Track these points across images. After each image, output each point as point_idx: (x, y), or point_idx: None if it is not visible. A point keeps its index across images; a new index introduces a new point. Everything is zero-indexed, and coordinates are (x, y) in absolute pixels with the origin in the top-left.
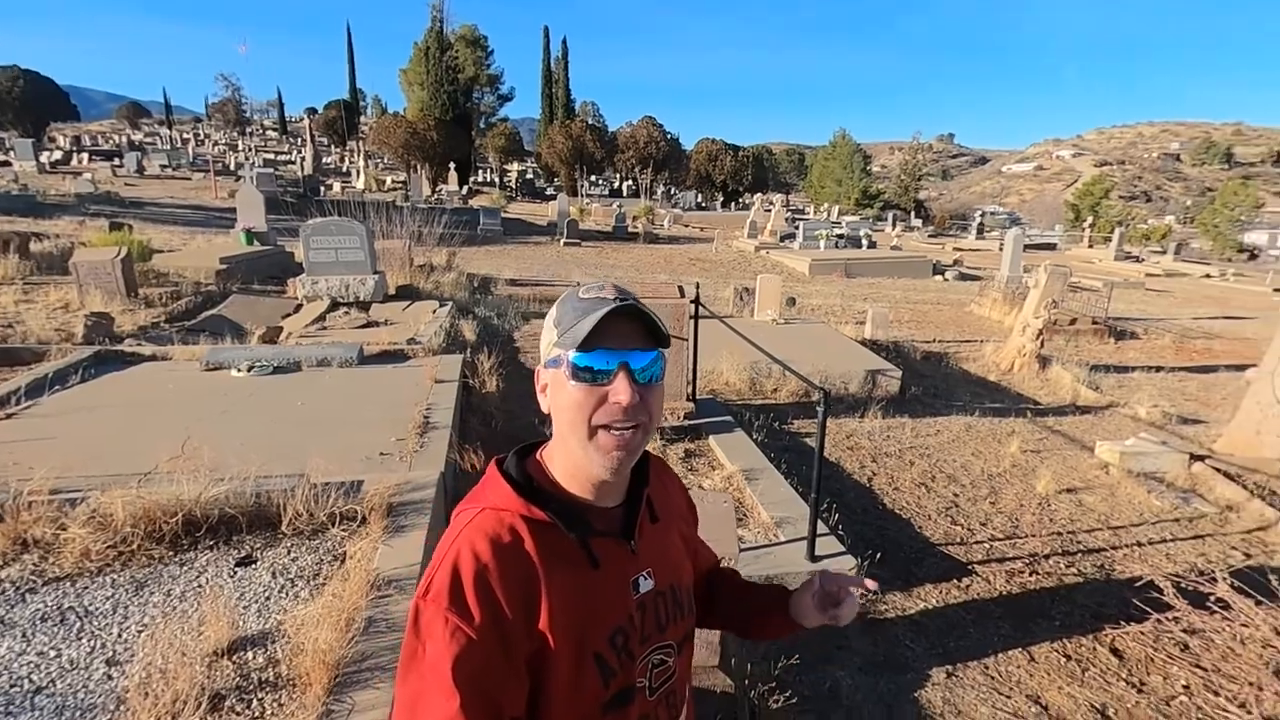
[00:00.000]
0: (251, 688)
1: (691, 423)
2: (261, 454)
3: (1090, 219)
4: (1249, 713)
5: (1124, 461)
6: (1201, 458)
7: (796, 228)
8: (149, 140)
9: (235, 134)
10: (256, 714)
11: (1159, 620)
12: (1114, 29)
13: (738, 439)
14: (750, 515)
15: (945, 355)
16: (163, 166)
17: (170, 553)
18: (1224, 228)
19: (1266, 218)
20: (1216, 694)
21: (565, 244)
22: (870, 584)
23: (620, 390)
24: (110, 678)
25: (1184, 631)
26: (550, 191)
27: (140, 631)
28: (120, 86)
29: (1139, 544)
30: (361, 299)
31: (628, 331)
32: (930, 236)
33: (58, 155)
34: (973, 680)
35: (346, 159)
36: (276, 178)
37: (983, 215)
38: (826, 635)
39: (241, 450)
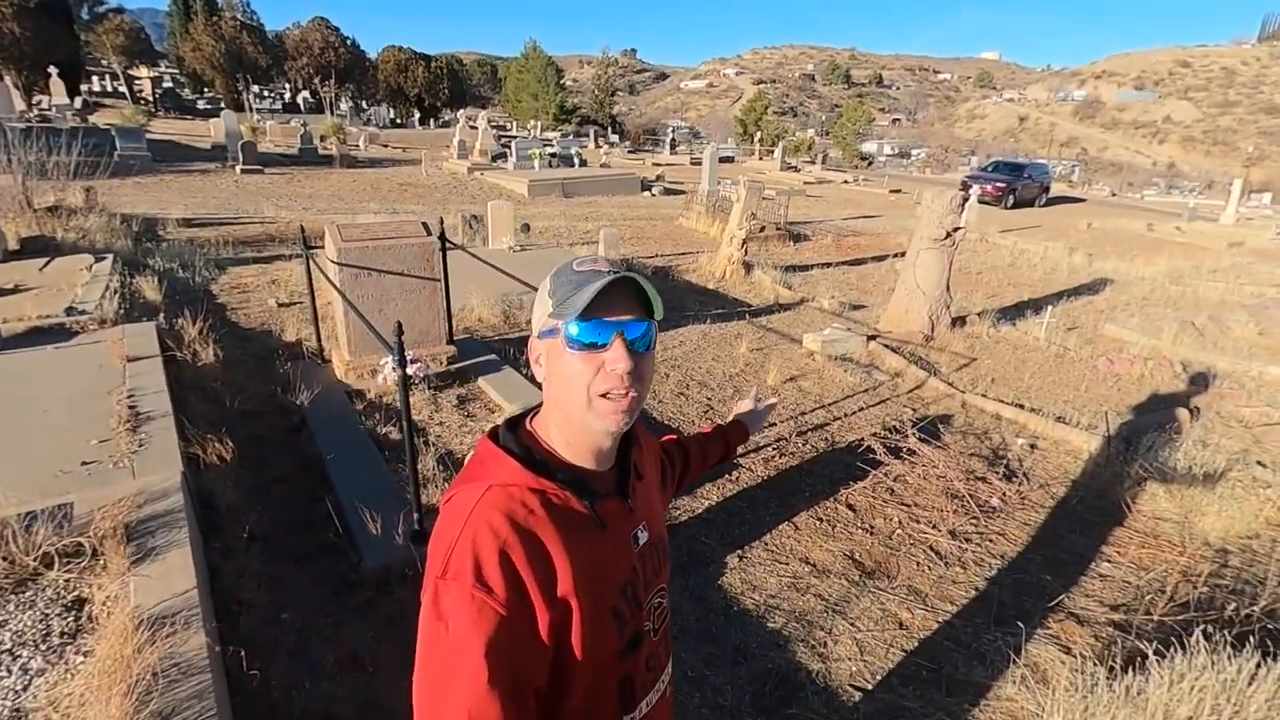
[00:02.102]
0: None
1: (456, 366)
2: None
3: (757, 134)
4: (939, 530)
5: (824, 349)
6: (873, 337)
7: (507, 147)
8: None
9: None
10: None
11: (874, 475)
12: None
13: (507, 377)
14: None
15: (670, 269)
16: None
17: None
18: (849, 139)
19: (876, 130)
20: (918, 522)
21: (243, 171)
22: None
23: (617, 359)
24: None
25: (892, 480)
26: (203, 105)
27: None
28: None
29: (847, 414)
30: None
31: (622, 302)
32: (629, 153)
33: None
34: (758, 558)
35: None
36: None
37: (673, 131)
38: None
39: None
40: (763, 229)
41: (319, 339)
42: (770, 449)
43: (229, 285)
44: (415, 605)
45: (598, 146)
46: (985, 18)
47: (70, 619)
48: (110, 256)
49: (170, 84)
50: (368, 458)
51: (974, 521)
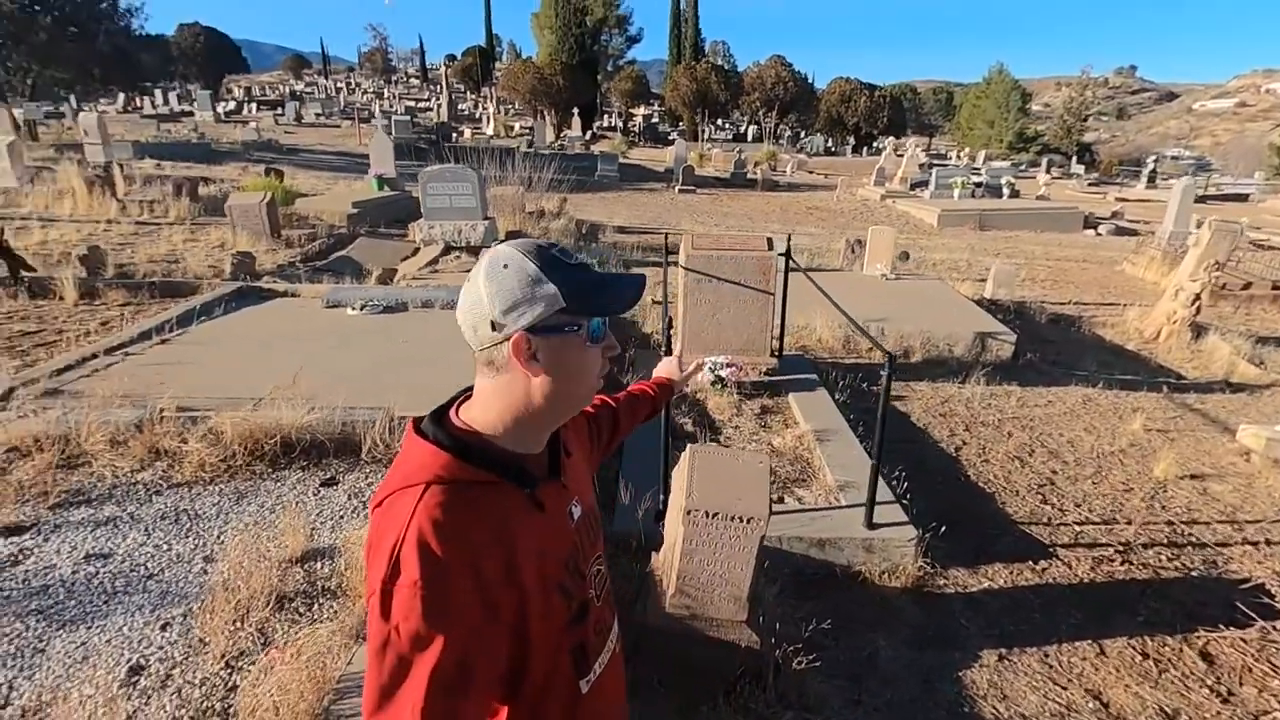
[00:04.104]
0: (315, 593)
1: (772, 379)
2: (358, 386)
3: None
4: None
5: (1270, 449)
6: None
7: (930, 174)
8: (308, 90)
9: (382, 82)
10: (314, 616)
11: (1266, 628)
12: None
13: (818, 398)
14: (815, 477)
15: (1078, 319)
16: (317, 115)
17: (269, 469)
18: None
19: None
20: None
21: (680, 191)
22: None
23: (613, 340)
24: (205, 572)
25: None
26: (673, 136)
27: (235, 535)
28: (286, 39)
29: (1267, 542)
30: (472, 244)
31: None
32: (1090, 185)
33: (231, 105)
34: (1027, 666)
35: (480, 105)
36: (413, 124)
37: (1158, 160)
38: (877, 602)
39: (343, 382)
40: (1246, 285)
41: (668, 333)
42: (1110, 549)
43: None
44: (633, 573)
45: (1050, 176)
46: None
47: None
48: None
49: (655, 119)
50: (656, 441)
51: None
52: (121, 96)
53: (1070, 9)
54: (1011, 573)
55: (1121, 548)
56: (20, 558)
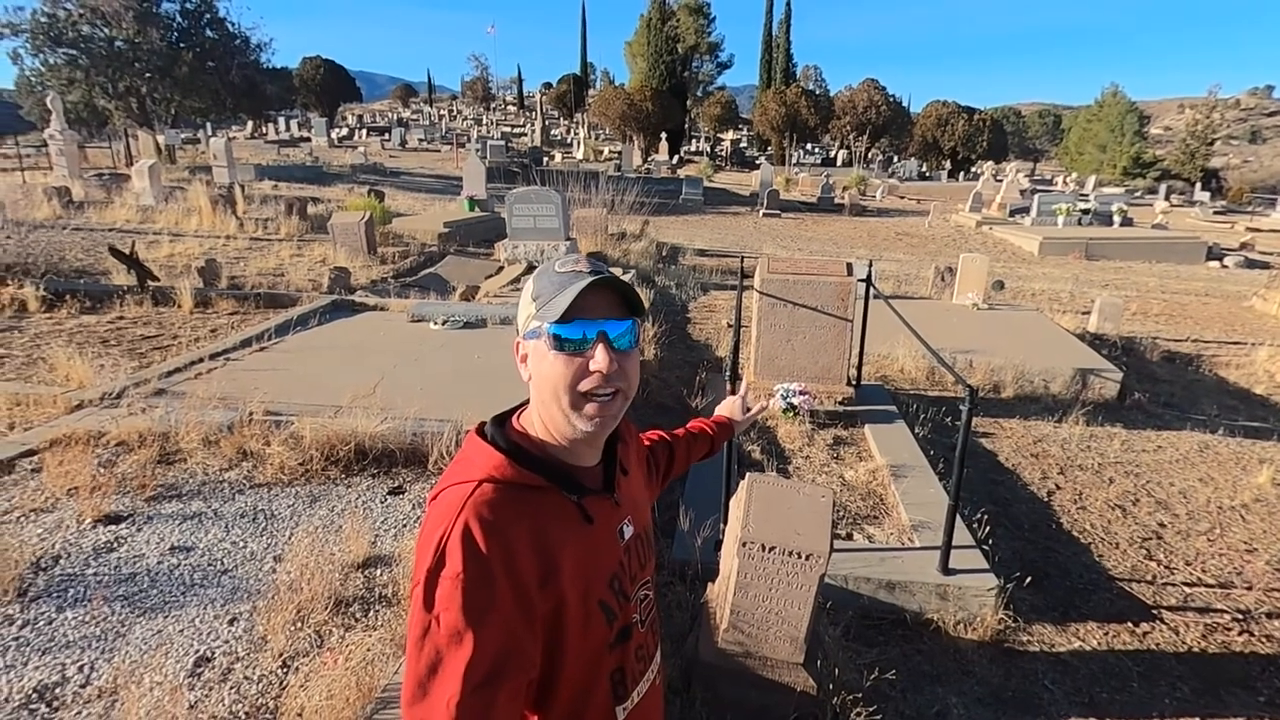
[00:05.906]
0: (372, 599)
1: (848, 409)
2: (432, 398)
3: None
4: None
5: None
6: None
7: (1032, 200)
8: (414, 117)
9: (481, 109)
10: (370, 623)
11: None
12: None
13: (896, 431)
14: (888, 514)
15: (1197, 358)
16: (420, 140)
17: (342, 475)
18: None
19: None
20: None
21: (764, 215)
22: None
23: (600, 359)
24: (274, 571)
25: None
26: (760, 161)
27: (305, 537)
28: (398, 70)
29: None
30: None
31: (603, 302)
32: (1217, 213)
33: (344, 132)
34: None
35: (571, 131)
36: (508, 149)
37: None
38: (950, 654)
39: (418, 393)
40: None
41: (736, 357)
42: (1227, 617)
43: (702, 305)
44: (688, 603)
45: (1170, 203)
46: None
47: None
48: (632, 272)
49: (744, 144)
50: (721, 469)
51: None
52: (250, 124)
53: (1197, 25)
54: (1106, 634)
55: (1240, 615)
56: (115, 545)
